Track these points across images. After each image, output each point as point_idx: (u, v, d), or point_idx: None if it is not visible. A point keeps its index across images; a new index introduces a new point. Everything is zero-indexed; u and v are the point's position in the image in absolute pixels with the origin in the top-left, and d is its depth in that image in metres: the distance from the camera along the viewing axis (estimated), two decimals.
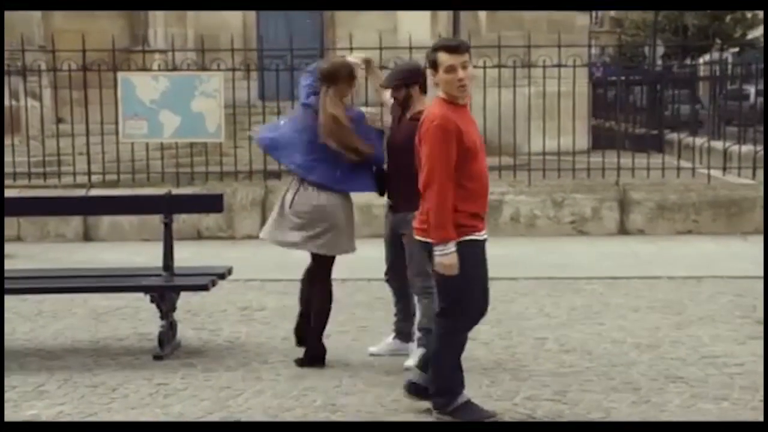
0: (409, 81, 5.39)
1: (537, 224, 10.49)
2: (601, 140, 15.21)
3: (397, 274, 5.69)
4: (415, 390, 4.79)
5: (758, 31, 33.85)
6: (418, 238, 4.59)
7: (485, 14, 19.50)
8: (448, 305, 4.55)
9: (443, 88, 4.49)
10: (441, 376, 4.61)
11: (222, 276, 6.14)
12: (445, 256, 4.40)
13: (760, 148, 11.87)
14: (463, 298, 4.51)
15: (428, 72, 4.60)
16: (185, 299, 6.38)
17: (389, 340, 5.82)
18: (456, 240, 4.42)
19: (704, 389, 5.09)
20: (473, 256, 4.49)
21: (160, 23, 17.80)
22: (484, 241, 4.57)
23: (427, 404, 4.72)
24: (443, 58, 4.43)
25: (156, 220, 6.18)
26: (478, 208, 4.53)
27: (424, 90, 5.45)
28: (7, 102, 12.65)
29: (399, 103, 5.46)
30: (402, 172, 5.35)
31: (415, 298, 5.59)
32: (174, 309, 6.01)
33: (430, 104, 5.48)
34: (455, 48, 4.46)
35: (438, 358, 4.61)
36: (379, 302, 5.96)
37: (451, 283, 4.47)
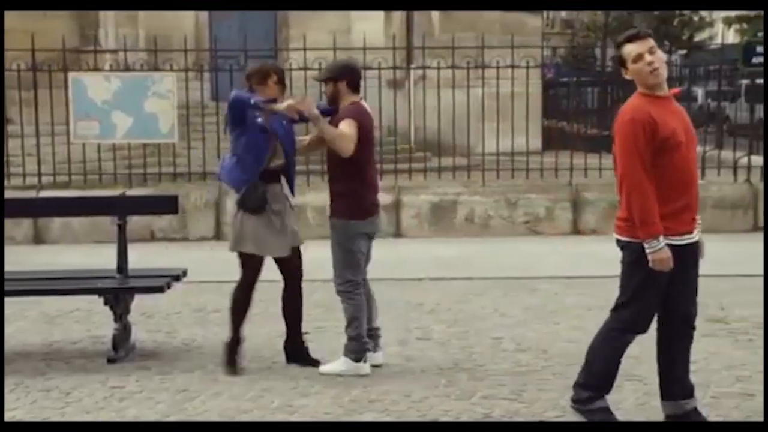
0: (336, 76, 5.42)
1: (491, 224, 10.55)
2: (554, 141, 15.34)
3: None
4: None
5: (705, 34, 34.43)
6: (617, 237, 4.37)
7: (439, 16, 19.55)
8: (623, 302, 4.37)
9: (637, 80, 4.29)
10: (593, 370, 4.45)
11: (177, 278, 6.09)
12: (656, 252, 4.17)
13: (708, 148, 12.07)
14: (639, 298, 4.33)
15: (621, 70, 4.36)
16: (139, 302, 6.31)
17: None
18: (663, 234, 4.18)
19: (658, 387, 5.14)
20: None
21: (110, 23, 17.57)
22: (678, 246, 4.24)
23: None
24: (628, 49, 4.25)
25: (108, 222, 6.11)
26: (674, 206, 4.24)
27: (357, 88, 5.46)
28: None
29: (328, 98, 5.48)
30: (331, 175, 5.46)
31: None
32: (128, 311, 5.94)
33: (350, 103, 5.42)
34: (636, 36, 4.29)
35: (596, 352, 4.46)
36: (336, 304, 5.96)
37: (633, 280, 4.32)
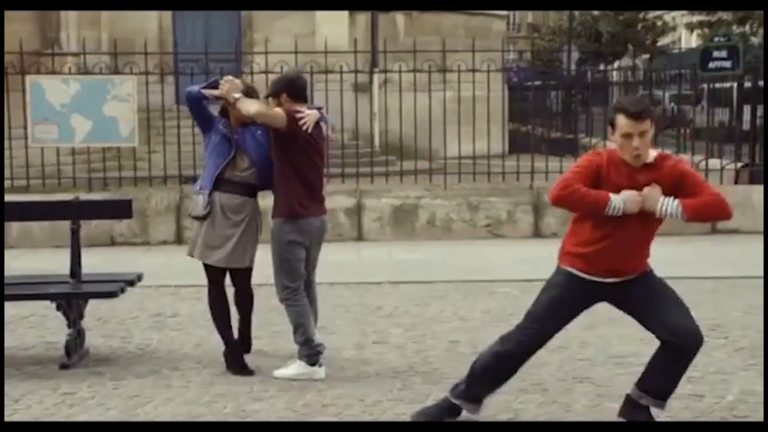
0: (276, 91, 5.51)
1: (453, 228, 10.58)
2: (517, 144, 15.44)
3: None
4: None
5: (668, 38, 34.80)
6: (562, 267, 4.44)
7: (403, 19, 19.62)
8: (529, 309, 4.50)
9: (618, 148, 4.30)
10: (474, 368, 4.56)
11: (131, 283, 6.04)
12: (622, 204, 4.21)
13: (668, 151, 12.17)
14: (531, 313, 4.44)
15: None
16: (95, 306, 6.26)
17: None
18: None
19: (610, 389, 5.18)
20: (555, 286, 4.42)
21: (72, 26, 17.43)
22: (580, 279, 4.37)
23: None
24: (621, 122, 4.22)
25: (68, 226, 6.06)
26: (591, 249, 4.35)
27: (299, 98, 5.45)
28: None
29: None
30: (277, 178, 5.46)
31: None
32: (82, 316, 5.89)
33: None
34: (635, 115, 4.20)
35: (485, 352, 4.57)
36: None
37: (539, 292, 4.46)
